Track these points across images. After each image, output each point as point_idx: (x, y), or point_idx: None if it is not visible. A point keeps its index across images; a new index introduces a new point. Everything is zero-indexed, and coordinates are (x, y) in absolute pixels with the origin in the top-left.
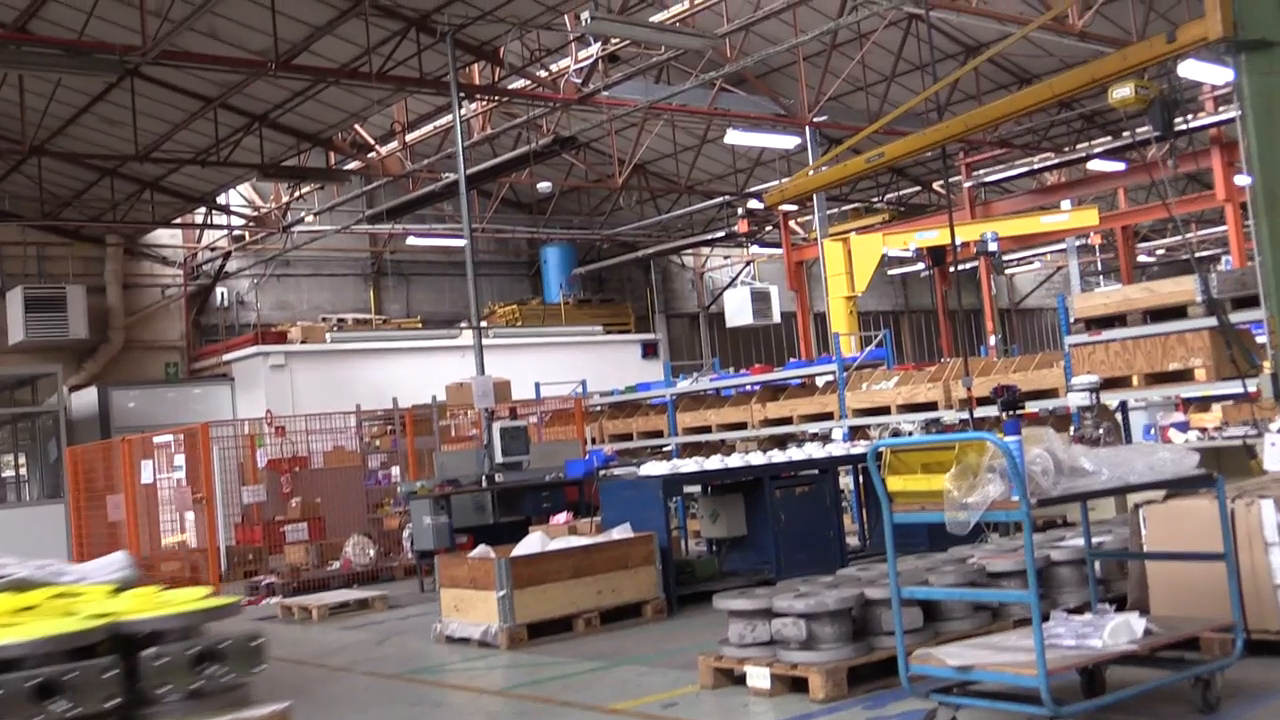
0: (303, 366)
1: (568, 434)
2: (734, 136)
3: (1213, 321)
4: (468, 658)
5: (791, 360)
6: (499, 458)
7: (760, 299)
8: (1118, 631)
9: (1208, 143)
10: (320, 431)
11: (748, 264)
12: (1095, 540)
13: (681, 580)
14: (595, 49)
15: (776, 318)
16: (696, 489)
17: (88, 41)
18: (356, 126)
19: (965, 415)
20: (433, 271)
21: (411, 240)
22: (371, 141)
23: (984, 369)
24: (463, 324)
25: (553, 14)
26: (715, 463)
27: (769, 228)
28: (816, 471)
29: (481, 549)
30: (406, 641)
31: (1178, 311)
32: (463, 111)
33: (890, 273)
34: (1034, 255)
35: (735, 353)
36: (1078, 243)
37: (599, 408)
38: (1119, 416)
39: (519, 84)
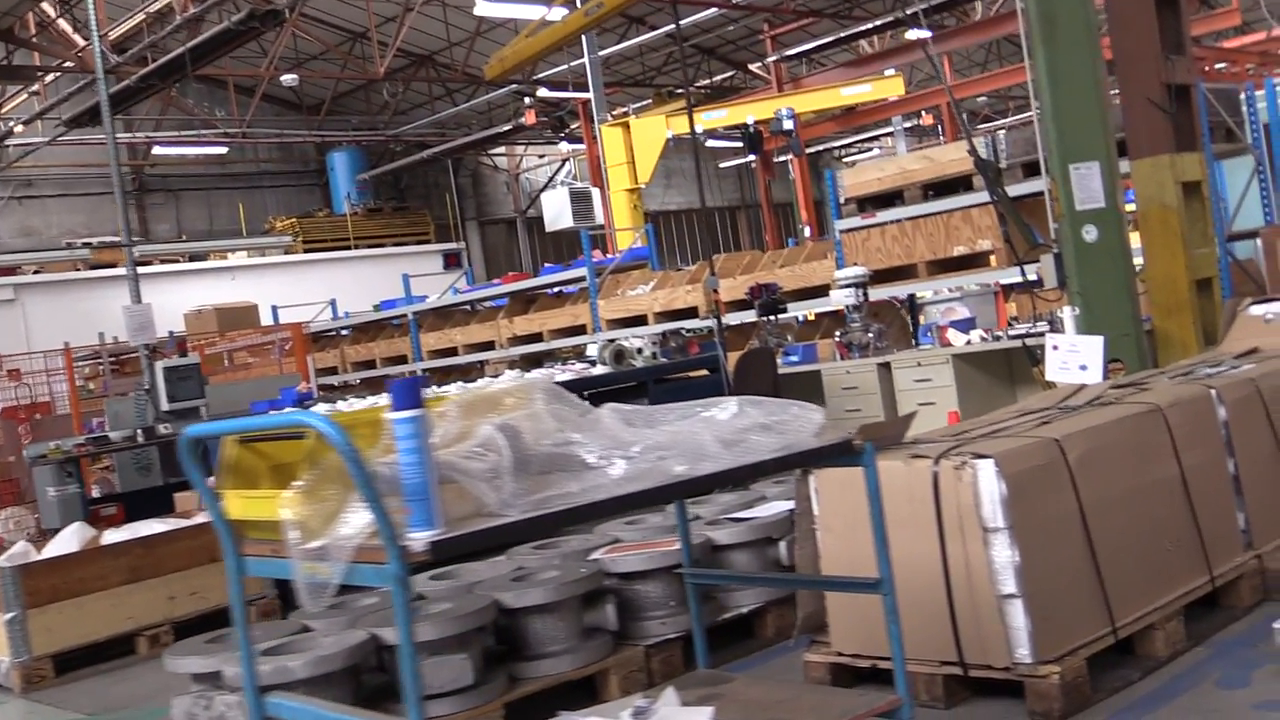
0: (37, 299)
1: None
2: (483, 8)
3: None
4: None
5: (547, 265)
6: (164, 404)
7: (581, 199)
8: None
9: None
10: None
11: (564, 162)
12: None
13: None
14: None
15: (600, 219)
16: None
17: None
18: (51, 13)
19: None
20: (204, 185)
21: (159, 150)
22: (50, 17)
23: (748, 265)
24: (238, 240)
25: None
26: None
27: (576, 124)
28: None
29: (20, 546)
30: None
31: (965, 184)
32: None
33: (723, 165)
34: (869, 139)
35: (559, 259)
36: (907, 124)
37: (344, 331)
38: (908, 315)
39: None
